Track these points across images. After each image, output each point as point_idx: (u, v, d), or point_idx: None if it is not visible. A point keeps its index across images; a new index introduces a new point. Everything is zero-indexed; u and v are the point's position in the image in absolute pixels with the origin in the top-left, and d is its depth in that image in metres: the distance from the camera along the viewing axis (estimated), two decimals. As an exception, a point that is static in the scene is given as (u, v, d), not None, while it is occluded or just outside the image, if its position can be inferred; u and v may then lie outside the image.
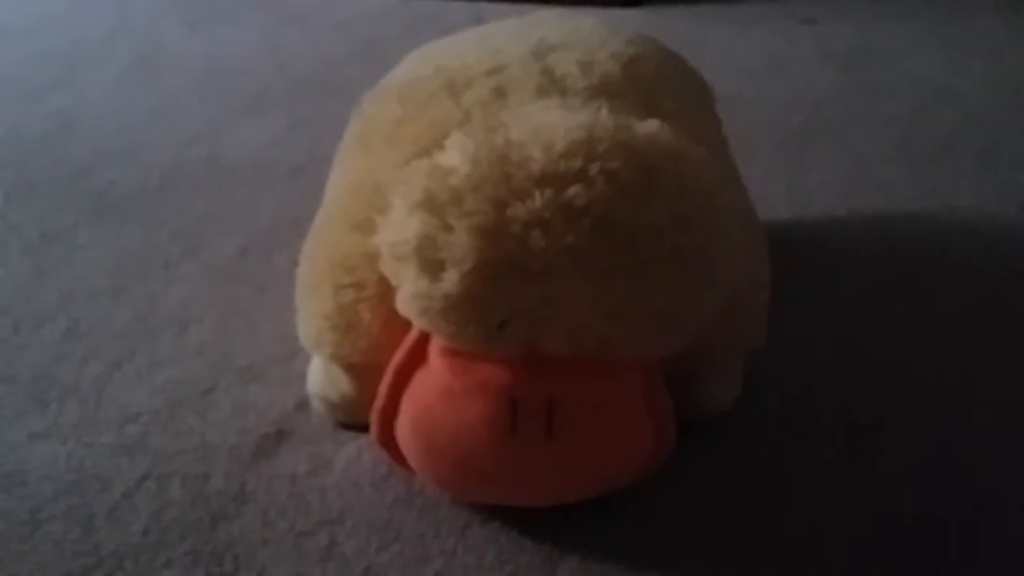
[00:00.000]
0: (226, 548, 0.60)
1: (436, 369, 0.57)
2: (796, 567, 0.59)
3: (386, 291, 0.59)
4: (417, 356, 0.59)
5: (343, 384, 0.67)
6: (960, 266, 0.89)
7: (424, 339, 0.59)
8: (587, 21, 0.77)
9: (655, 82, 0.67)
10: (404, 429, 0.59)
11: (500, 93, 0.63)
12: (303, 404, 0.71)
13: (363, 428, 0.66)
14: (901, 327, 0.81)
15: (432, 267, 0.52)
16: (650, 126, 0.54)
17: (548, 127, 0.53)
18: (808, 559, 0.60)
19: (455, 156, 0.53)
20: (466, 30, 0.81)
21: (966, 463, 0.67)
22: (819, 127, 1.18)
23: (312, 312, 0.65)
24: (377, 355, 0.61)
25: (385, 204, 0.56)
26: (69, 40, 1.55)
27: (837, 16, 1.56)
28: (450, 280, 0.52)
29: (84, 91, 1.34)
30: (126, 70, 1.41)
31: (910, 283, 0.87)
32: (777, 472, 0.66)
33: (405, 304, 0.55)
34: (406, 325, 0.59)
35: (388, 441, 0.61)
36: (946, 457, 0.67)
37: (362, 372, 0.64)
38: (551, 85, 0.63)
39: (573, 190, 0.50)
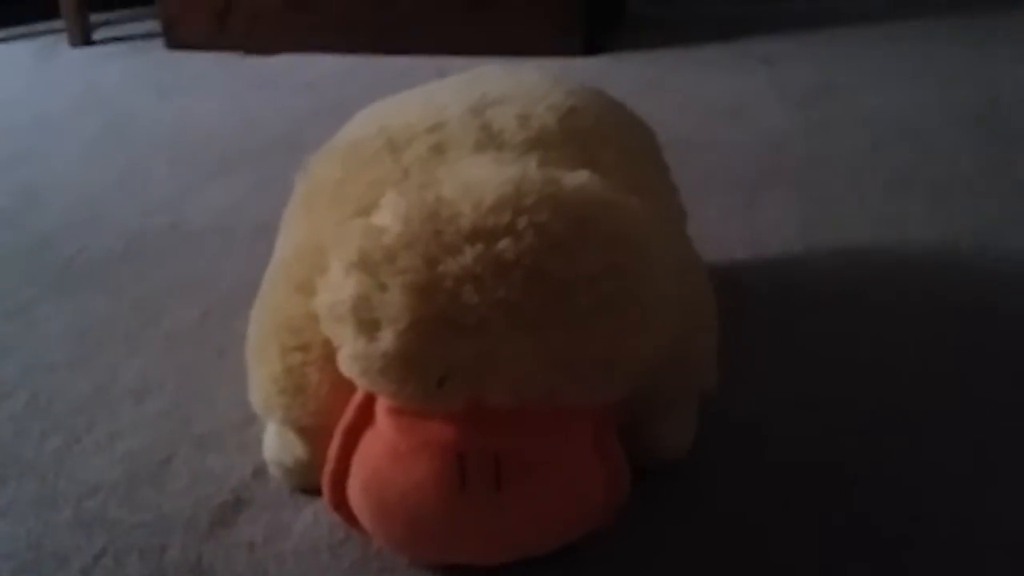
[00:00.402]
0: (182, 622, 0.60)
1: (383, 429, 0.57)
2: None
3: (332, 352, 0.59)
4: (364, 417, 0.59)
5: (296, 448, 0.66)
6: (917, 299, 0.90)
7: (370, 399, 0.58)
8: (531, 74, 0.78)
9: (593, 133, 0.67)
10: (355, 491, 0.59)
11: (439, 150, 0.64)
12: (260, 470, 0.71)
13: (320, 492, 0.66)
14: (859, 363, 0.81)
15: (368, 327, 0.52)
16: (579, 177, 0.54)
17: (477, 183, 0.53)
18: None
19: (388, 215, 0.54)
20: (415, 88, 0.82)
21: (933, 501, 0.66)
22: (777, 166, 1.19)
23: (261, 376, 0.65)
24: (327, 417, 0.61)
25: (326, 265, 0.57)
26: (36, 112, 1.57)
27: (794, 55, 1.59)
28: (386, 339, 0.52)
29: (50, 162, 1.35)
30: (93, 139, 1.42)
31: (868, 318, 0.87)
32: (740, 517, 0.65)
33: (346, 365, 0.55)
34: (354, 386, 0.59)
35: (340, 503, 0.60)
36: (914, 495, 0.67)
37: (314, 435, 0.64)
38: (488, 140, 0.63)
39: (503, 244, 0.51)
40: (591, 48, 1.63)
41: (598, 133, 0.68)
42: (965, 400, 0.76)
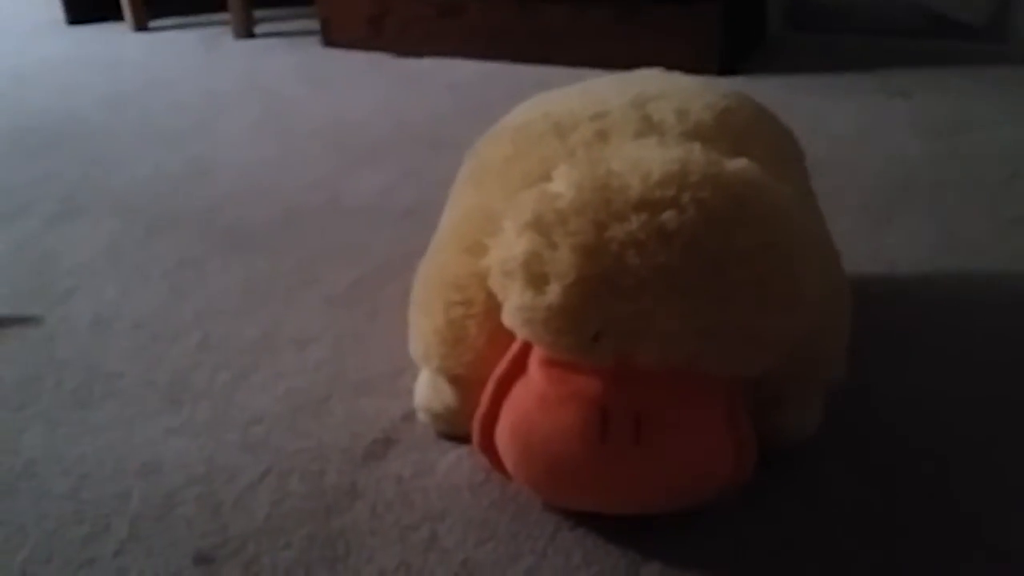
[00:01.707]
0: (339, 536, 0.66)
1: (535, 378, 0.63)
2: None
3: (492, 308, 0.65)
4: (518, 367, 0.65)
5: (447, 396, 0.73)
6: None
7: (525, 351, 0.64)
8: (685, 78, 0.83)
9: (745, 131, 0.72)
10: (503, 434, 0.65)
11: (602, 135, 0.69)
12: (409, 415, 0.78)
13: (464, 439, 0.72)
14: (973, 364, 0.83)
15: (537, 281, 0.58)
16: (739, 162, 0.59)
17: (645, 160, 0.59)
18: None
19: (562, 184, 0.60)
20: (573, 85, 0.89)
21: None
22: (907, 190, 1.21)
23: (423, 328, 0.71)
24: (480, 368, 0.67)
25: (495, 230, 0.63)
26: (203, 93, 1.70)
27: (931, 90, 1.59)
28: (552, 292, 0.57)
29: (217, 138, 1.47)
30: (255, 121, 1.54)
31: (991, 342, 0.89)
32: (854, 504, 0.69)
33: (510, 316, 0.61)
34: (509, 341, 0.65)
35: (488, 446, 0.66)
36: (1017, 491, 0.69)
37: (466, 385, 0.70)
38: (649, 129, 0.69)
39: (666, 215, 0.56)
40: (726, 68, 1.68)
41: (750, 132, 0.73)
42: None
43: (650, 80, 0.81)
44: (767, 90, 1.59)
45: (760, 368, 0.60)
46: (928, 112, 1.49)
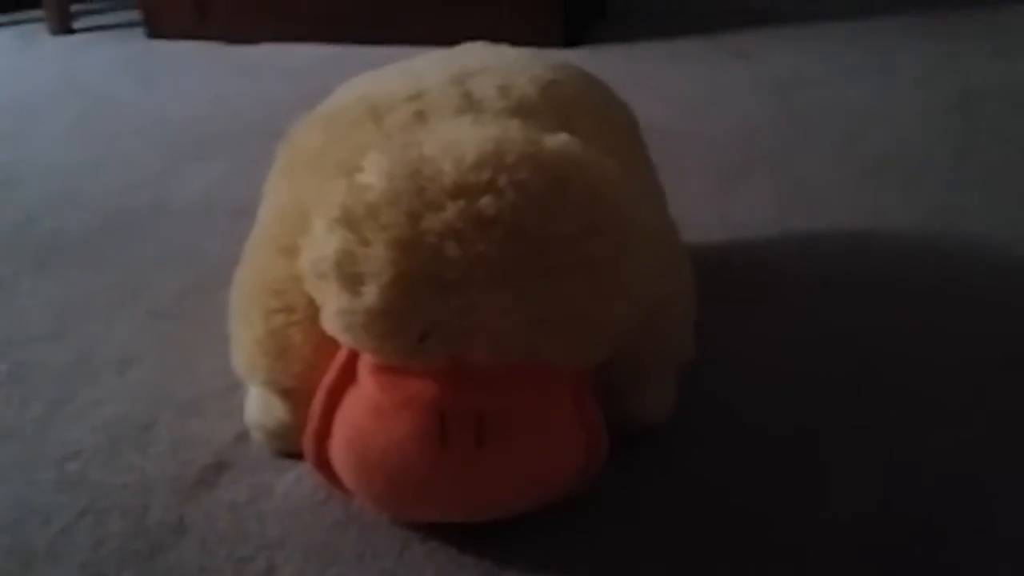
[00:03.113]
0: (164, 577, 0.60)
1: (365, 387, 0.58)
2: (744, 570, 0.60)
3: (316, 314, 0.59)
4: (347, 375, 0.60)
5: (279, 411, 0.67)
6: (887, 280, 0.91)
7: (353, 358, 0.59)
8: (512, 50, 0.79)
9: (573, 104, 0.69)
10: (337, 449, 0.60)
11: (420, 116, 0.65)
12: (243, 435, 0.72)
13: (302, 455, 0.67)
14: (827, 339, 0.83)
15: (352, 281, 0.53)
16: (559, 139, 0.56)
17: (459, 142, 0.54)
18: (757, 564, 0.60)
19: (371, 174, 0.55)
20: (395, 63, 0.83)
21: (904, 469, 0.68)
22: (753, 153, 1.21)
23: (244, 339, 0.65)
24: (310, 379, 0.62)
25: (309, 227, 0.58)
26: (14, 97, 1.56)
27: (769, 49, 1.61)
28: (369, 293, 0.53)
29: (29, 144, 1.35)
30: (72, 123, 1.42)
31: (842, 297, 0.89)
32: (712, 483, 0.67)
33: (329, 321, 0.56)
34: (337, 347, 0.60)
35: (323, 463, 0.61)
36: (884, 458, 0.68)
37: (297, 397, 0.65)
38: (469, 107, 0.65)
39: (484, 200, 0.52)
40: (571, 40, 1.65)
41: (578, 105, 0.69)
42: (943, 377, 0.78)
43: (475, 54, 0.77)
44: (612, 60, 1.57)
45: (600, 355, 0.57)
46: (768, 73, 1.51)
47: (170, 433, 0.73)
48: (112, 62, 1.72)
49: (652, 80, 1.46)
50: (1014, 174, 1.14)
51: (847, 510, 0.64)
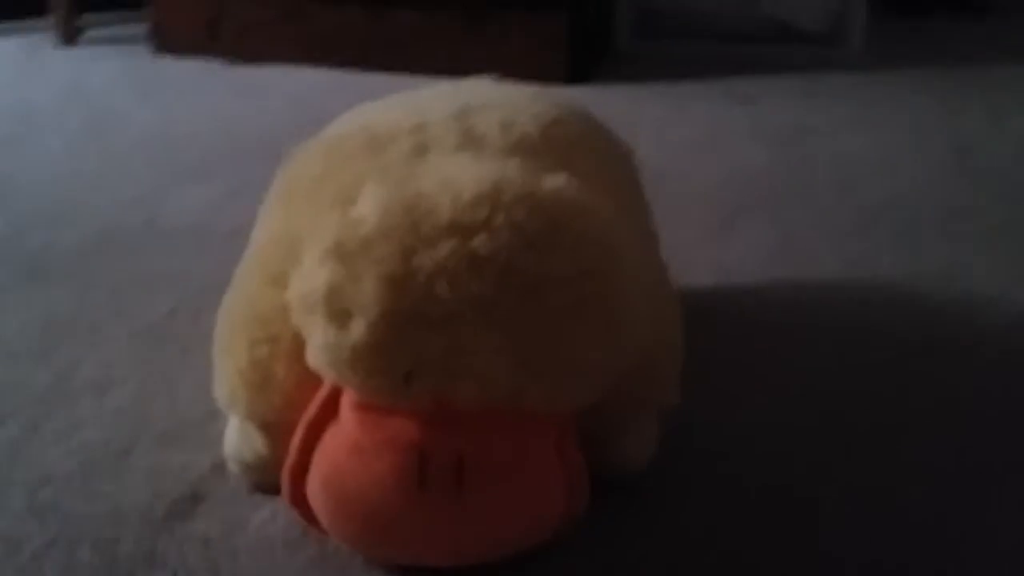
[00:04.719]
0: (130, 612, 0.58)
1: (346, 424, 0.57)
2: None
3: (300, 347, 0.58)
4: (329, 411, 0.58)
5: (258, 444, 0.65)
6: (879, 336, 0.90)
7: (336, 394, 0.58)
8: (517, 88, 0.78)
9: (573, 145, 0.68)
10: (314, 485, 0.58)
11: (420, 150, 0.64)
12: (220, 466, 0.70)
13: (279, 490, 0.65)
14: (815, 391, 0.81)
15: (339, 316, 0.52)
16: (557, 180, 0.55)
17: (457, 178, 0.53)
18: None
19: (366, 206, 0.54)
20: (399, 94, 0.82)
21: (895, 521, 0.66)
22: (747, 199, 1.20)
23: (227, 369, 0.64)
24: (291, 413, 0.60)
25: (301, 257, 0.56)
26: (16, 106, 1.55)
27: (772, 96, 1.61)
28: (356, 329, 0.51)
29: (27, 154, 1.34)
30: (73, 135, 1.41)
31: (829, 350, 0.88)
32: (695, 532, 0.65)
33: (314, 355, 0.55)
34: (320, 382, 0.59)
35: (299, 500, 0.60)
36: (874, 509, 0.67)
37: (277, 431, 0.63)
38: (470, 143, 0.64)
39: (478, 239, 0.51)
40: (575, 77, 1.65)
41: (578, 145, 0.68)
42: (932, 430, 0.77)
43: (479, 90, 0.76)
44: (614, 99, 1.57)
45: (586, 400, 0.56)
46: (770, 119, 1.50)
47: (146, 461, 0.71)
48: (116, 76, 1.71)
49: (653, 121, 1.46)
50: (1009, 229, 1.13)
51: (837, 563, 0.62)
